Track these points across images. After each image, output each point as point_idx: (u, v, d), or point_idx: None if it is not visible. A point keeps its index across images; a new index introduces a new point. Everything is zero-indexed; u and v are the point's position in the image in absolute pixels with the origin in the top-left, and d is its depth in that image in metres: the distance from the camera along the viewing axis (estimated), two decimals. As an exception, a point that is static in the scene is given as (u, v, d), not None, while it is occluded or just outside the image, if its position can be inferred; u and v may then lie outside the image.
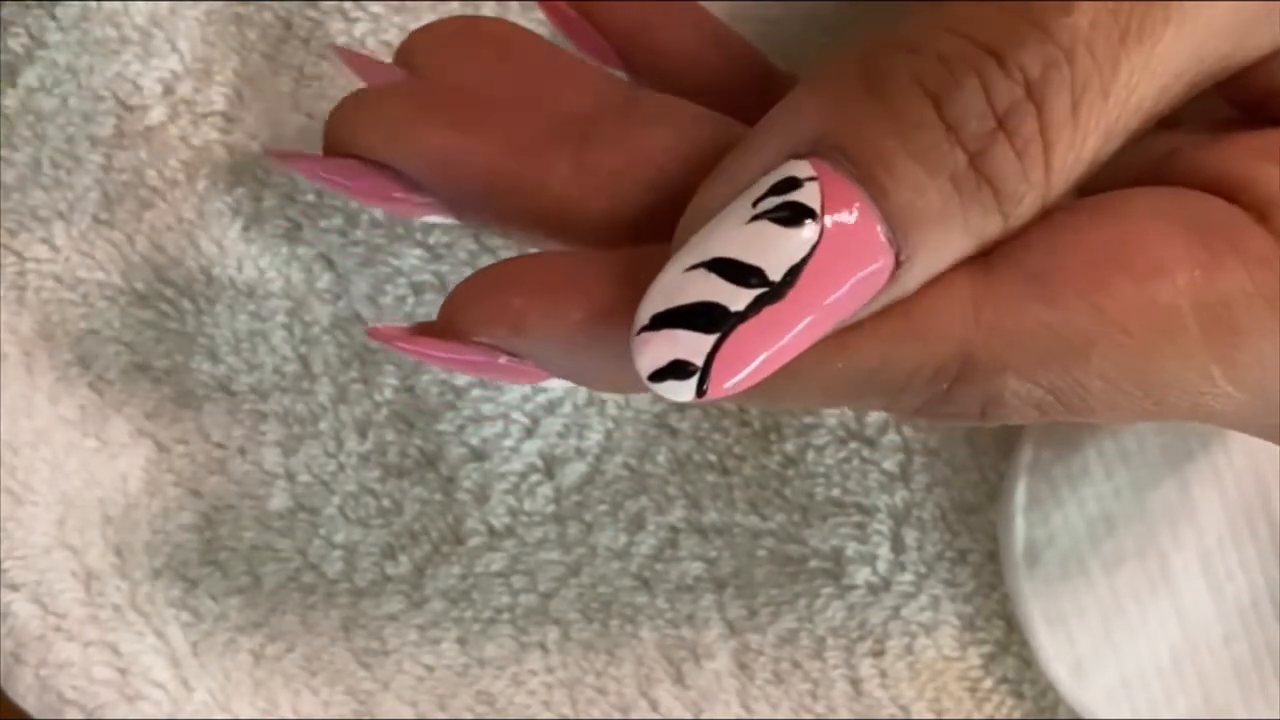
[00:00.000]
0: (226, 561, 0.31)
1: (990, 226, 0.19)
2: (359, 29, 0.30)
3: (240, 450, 0.31)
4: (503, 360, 0.21)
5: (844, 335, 0.19)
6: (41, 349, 0.31)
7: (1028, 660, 0.30)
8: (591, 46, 0.25)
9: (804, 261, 0.18)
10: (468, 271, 0.30)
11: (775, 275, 0.18)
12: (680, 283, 0.18)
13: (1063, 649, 0.29)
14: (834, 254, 0.18)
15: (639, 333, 0.18)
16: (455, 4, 0.30)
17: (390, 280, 0.30)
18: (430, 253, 0.30)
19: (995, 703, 0.30)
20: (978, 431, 0.30)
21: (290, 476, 0.31)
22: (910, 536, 0.30)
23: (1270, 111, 0.21)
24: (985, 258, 0.19)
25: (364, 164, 0.23)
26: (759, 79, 0.25)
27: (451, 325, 0.21)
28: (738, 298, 0.18)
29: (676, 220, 0.20)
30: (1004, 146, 0.18)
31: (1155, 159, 0.21)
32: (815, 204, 0.18)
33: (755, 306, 0.18)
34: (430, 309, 0.31)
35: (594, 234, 0.21)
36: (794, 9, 0.29)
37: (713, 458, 0.31)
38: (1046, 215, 0.20)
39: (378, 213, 0.30)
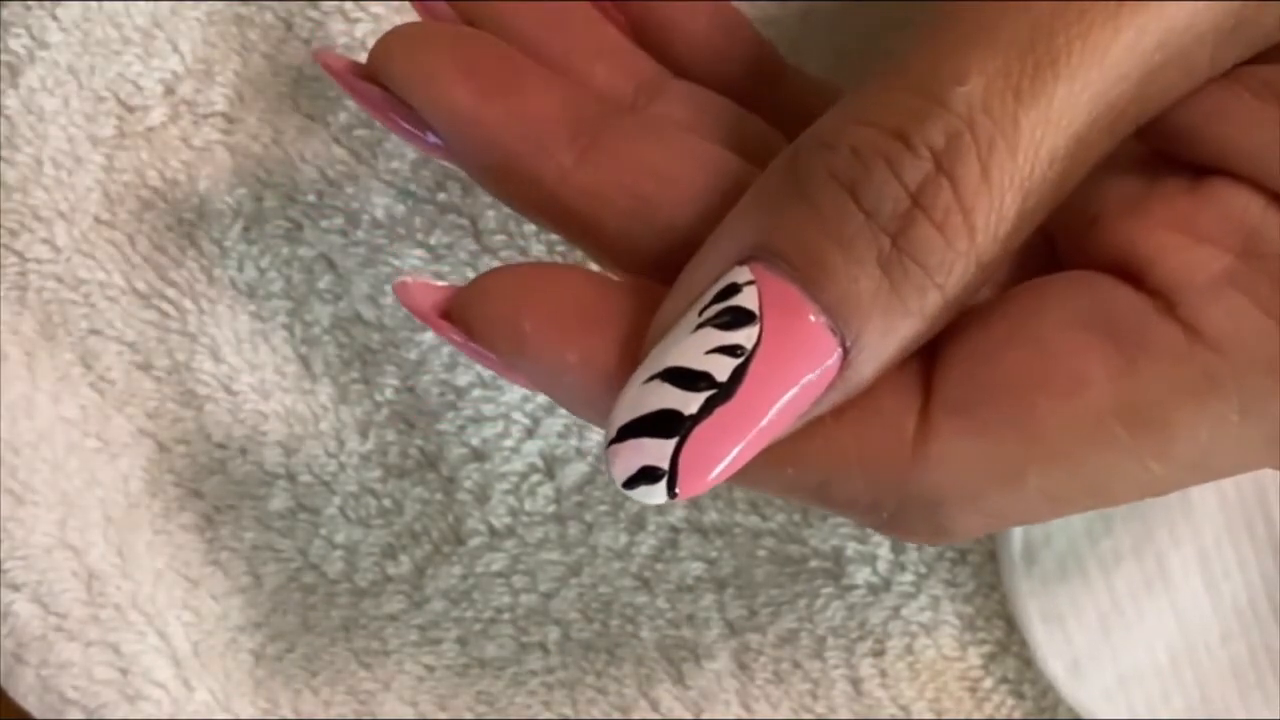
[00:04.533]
0: (227, 562, 0.31)
1: (930, 302, 0.19)
2: (360, 29, 0.30)
3: (241, 450, 0.31)
4: (501, 361, 0.22)
5: (794, 449, 0.20)
6: (43, 349, 0.31)
7: (1028, 660, 0.30)
8: None
9: (747, 362, 0.19)
10: (469, 272, 0.30)
11: (721, 377, 0.19)
12: (640, 395, 0.19)
13: (1060, 648, 0.29)
14: (778, 351, 0.19)
15: (609, 445, 0.20)
16: (456, 5, 0.30)
17: (390, 280, 0.30)
18: (431, 253, 0.30)
19: (995, 703, 0.30)
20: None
21: (291, 477, 0.31)
22: (910, 536, 0.30)
23: (1180, 153, 0.21)
24: (928, 391, 0.20)
25: (389, 98, 0.23)
26: (769, 71, 0.25)
27: (463, 319, 0.21)
28: (690, 402, 0.19)
29: (659, 231, 0.21)
30: (923, 224, 0.19)
31: (1082, 223, 0.21)
32: (754, 306, 0.19)
33: (708, 408, 0.19)
34: (431, 309, 0.31)
35: (573, 231, 0.22)
36: (793, 9, 0.29)
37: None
38: (966, 331, 0.20)
39: (379, 213, 0.30)
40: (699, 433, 0.19)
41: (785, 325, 0.19)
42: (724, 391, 0.19)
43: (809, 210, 0.19)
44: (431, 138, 0.23)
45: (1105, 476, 0.20)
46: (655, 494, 0.19)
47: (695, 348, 0.19)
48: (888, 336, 0.19)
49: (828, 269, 0.19)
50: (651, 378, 0.19)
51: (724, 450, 0.19)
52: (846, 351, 0.19)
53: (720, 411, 0.19)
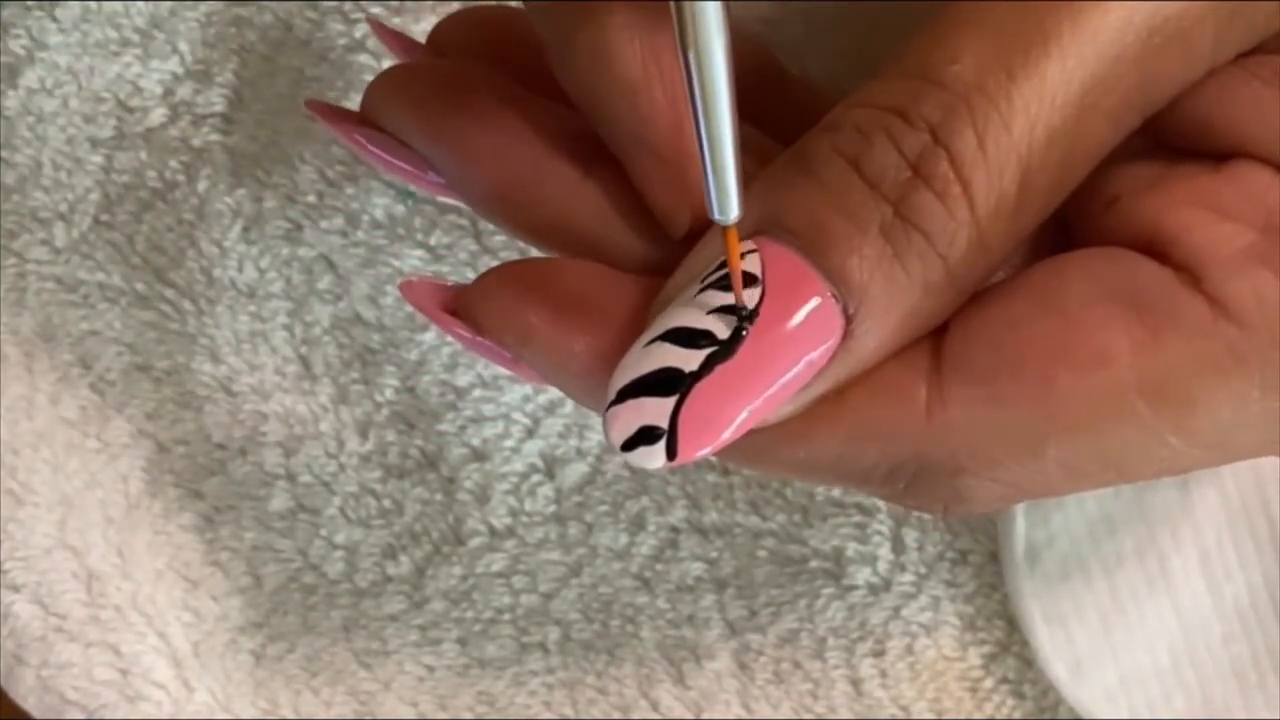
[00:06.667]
0: (228, 562, 0.31)
1: (932, 272, 0.19)
2: (358, 30, 0.30)
3: (241, 451, 0.31)
4: (508, 355, 0.22)
5: (806, 426, 0.20)
6: (42, 350, 0.31)
7: (1028, 660, 0.30)
8: None
9: (748, 319, 0.19)
10: (469, 272, 0.30)
11: (723, 335, 0.19)
12: (641, 356, 0.19)
13: (1062, 648, 0.29)
14: (779, 313, 0.19)
15: (608, 408, 0.19)
16: (456, 4, 0.30)
17: (390, 281, 0.30)
18: (431, 253, 0.30)
19: (996, 703, 0.30)
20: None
21: (291, 477, 0.31)
22: (910, 537, 0.30)
23: (1196, 143, 0.21)
24: (938, 359, 0.20)
25: (389, 139, 0.23)
26: (770, 80, 0.25)
27: (470, 314, 0.22)
28: (691, 359, 0.19)
29: (667, 244, 0.21)
30: (924, 191, 0.19)
31: (1101, 204, 0.21)
32: (755, 269, 0.19)
33: (708, 365, 0.19)
34: (431, 310, 0.31)
35: (582, 251, 0.22)
36: (794, 9, 0.29)
37: (713, 458, 0.31)
38: (986, 304, 0.20)
39: (379, 213, 0.30)
40: (700, 390, 0.19)
41: (787, 288, 0.19)
42: (725, 349, 0.19)
43: (813, 183, 0.19)
44: (433, 176, 0.23)
45: (1125, 451, 0.19)
46: (654, 456, 0.19)
47: (697, 309, 0.19)
48: (890, 305, 0.19)
49: (831, 236, 0.19)
50: (653, 340, 0.19)
51: (725, 411, 0.19)
52: (849, 320, 0.19)
53: (721, 369, 0.19)
